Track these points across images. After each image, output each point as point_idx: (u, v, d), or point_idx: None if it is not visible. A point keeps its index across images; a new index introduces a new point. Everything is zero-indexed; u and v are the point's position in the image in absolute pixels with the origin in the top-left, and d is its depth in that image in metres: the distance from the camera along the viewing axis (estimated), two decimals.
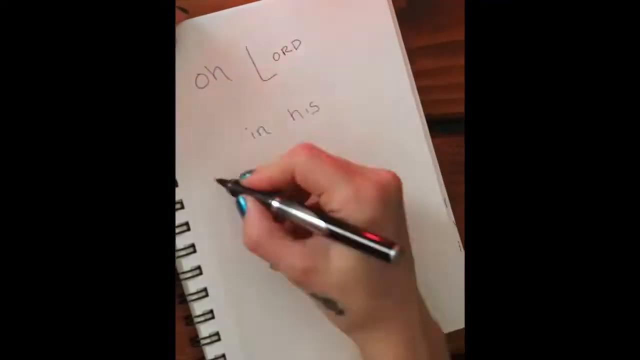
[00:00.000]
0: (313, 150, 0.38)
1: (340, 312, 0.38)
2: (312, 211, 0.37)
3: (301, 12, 0.44)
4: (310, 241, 0.37)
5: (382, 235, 0.36)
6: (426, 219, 0.45)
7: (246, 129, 0.44)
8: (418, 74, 0.45)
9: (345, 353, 0.44)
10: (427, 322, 0.40)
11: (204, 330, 0.44)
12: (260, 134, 0.44)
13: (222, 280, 0.43)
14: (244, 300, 0.44)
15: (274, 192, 0.39)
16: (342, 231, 0.36)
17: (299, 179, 0.38)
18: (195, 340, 0.44)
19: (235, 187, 0.41)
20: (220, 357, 0.43)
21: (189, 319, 0.44)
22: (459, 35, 0.45)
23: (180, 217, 0.43)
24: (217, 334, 0.43)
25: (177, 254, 0.43)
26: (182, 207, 0.43)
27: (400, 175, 0.38)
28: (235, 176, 0.42)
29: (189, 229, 0.43)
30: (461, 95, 0.41)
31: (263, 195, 0.39)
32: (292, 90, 0.44)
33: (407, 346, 0.38)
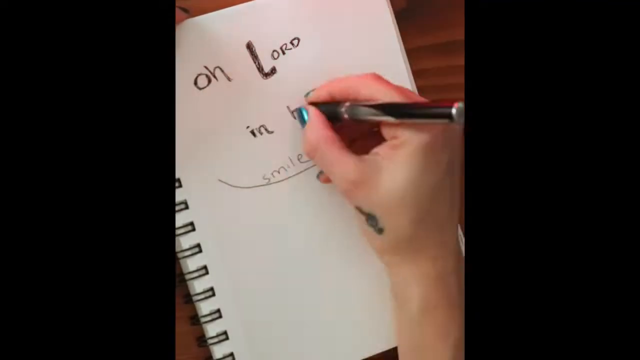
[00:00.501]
0: (379, 77, 0.40)
1: (380, 230, 0.39)
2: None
3: (300, 10, 0.44)
4: (366, 157, 0.39)
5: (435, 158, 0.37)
6: None
7: (247, 127, 0.44)
8: (418, 74, 0.45)
9: (351, 350, 0.44)
10: (461, 259, 0.41)
11: (211, 329, 0.44)
12: (261, 133, 0.44)
13: (228, 279, 0.44)
14: (251, 298, 0.44)
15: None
16: (403, 105, 0.37)
17: (363, 95, 0.39)
18: (202, 340, 0.44)
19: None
20: (228, 356, 0.44)
21: (195, 319, 0.44)
22: (459, 35, 0.46)
23: (185, 217, 0.43)
24: (225, 333, 0.44)
25: (183, 254, 0.43)
26: (187, 208, 0.43)
27: None
28: (237, 177, 0.43)
29: (194, 229, 0.43)
30: (461, 95, 0.41)
31: (328, 105, 0.41)
32: (292, 89, 0.44)
33: (435, 282, 0.39)
